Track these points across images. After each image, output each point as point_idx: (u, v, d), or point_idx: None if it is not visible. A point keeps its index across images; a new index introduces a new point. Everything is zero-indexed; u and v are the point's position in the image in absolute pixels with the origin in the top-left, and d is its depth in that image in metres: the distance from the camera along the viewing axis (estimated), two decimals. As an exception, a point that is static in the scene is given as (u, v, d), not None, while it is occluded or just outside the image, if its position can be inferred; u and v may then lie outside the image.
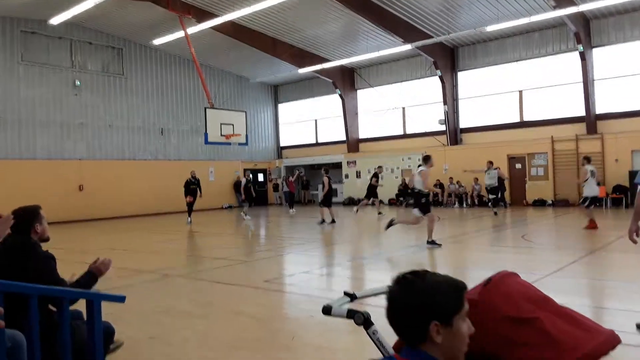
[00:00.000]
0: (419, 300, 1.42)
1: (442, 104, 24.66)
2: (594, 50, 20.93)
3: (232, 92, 29.55)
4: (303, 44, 24.84)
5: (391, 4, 20.00)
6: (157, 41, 23.26)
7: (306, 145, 31.23)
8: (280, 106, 32.62)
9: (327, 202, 16.94)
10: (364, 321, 1.84)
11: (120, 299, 3.09)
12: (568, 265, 8.11)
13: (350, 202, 27.40)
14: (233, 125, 21.35)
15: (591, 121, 20.74)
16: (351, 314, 1.90)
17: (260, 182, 30.96)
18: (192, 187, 19.11)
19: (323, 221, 16.34)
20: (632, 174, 18.50)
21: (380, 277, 8.10)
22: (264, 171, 31.45)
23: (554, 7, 17.89)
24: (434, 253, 9.82)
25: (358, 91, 28.81)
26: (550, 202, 21.32)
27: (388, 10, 20.44)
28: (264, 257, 10.58)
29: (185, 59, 26.19)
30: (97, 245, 12.93)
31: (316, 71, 26.06)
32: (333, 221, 16.37)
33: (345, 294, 2.16)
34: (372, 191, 19.72)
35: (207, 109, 21.09)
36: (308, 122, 31.31)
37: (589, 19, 20.82)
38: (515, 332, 1.57)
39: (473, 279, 1.76)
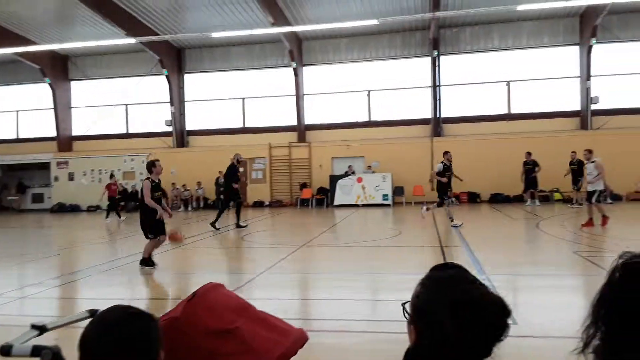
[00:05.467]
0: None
1: (169, 104, 24.20)
2: (304, 67, 23.76)
3: None
4: (6, 20, 20.87)
5: (113, -8, 18.61)
6: None
7: (3, 142, 26.27)
8: (-33, 91, 26.70)
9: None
10: (53, 357, 1.54)
11: None
12: (278, 262, 8.87)
13: (60, 208, 24.25)
14: None
15: (301, 130, 23.46)
16: (37, 351, 1.56)
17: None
18: None
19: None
20: (332, 178, 21.74)
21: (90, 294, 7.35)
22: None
23: (272, 24, 19.57)
24: (169, 258, 9.46)
25: (72, 82, 25.84)
26: (267, 203, 23.21)
27: (110, -2, 18.96)
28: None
29: None
30: None
31: (19, 54, 22.23)
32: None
33: (33, 326, 1.78)
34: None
35: None
36: (7, 113, 26.46)
37: (301, 40, 23.52)
38: (219, 345, 1.57)
39: (197, 284, 1.68)
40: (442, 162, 13.28)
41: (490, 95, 22.18)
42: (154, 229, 8.45)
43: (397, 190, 21.63)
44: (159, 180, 8.73)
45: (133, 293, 7.42)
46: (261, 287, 7.22)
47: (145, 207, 8.39)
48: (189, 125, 24.95)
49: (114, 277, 8.14)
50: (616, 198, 19.07)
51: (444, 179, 13.05)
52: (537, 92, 21.61)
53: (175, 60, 24.34)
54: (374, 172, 21.86)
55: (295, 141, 23.51)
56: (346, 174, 21.73)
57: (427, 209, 13.91)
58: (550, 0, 18.31)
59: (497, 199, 20.66)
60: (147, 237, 8.49)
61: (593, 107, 20.66)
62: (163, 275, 8.23)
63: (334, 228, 14.88)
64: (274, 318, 1.77)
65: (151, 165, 8.66)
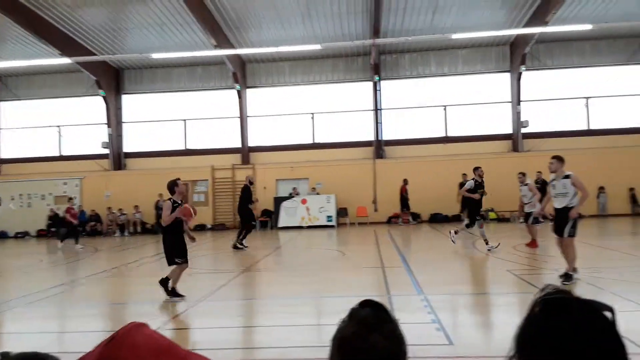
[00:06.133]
0: None
1: (106, 126, 23.38)
2: (248, 90, 23.71)
3: None
4: None
5: (48, 12, 17.94)
6: None
7: None
8: None
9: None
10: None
11: None
12: (218, 289, 8.64)
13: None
14: None
15: (245, 152, 23.28)
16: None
17: None
18: None
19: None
20: (276, 200, 21.62)
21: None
22: None
23: (215, 47, 19.46)
24: (103, 286, 8.98)
25: (2, 103, 24.50)
26: (210, 226, 22.70)
27: (44, 17, 18.25)
28: None
29: None
30: None
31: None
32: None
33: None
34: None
35: None
36: None
37: (245, 63, 23.51)
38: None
39: (131, 315, 1.56)
40: (472, 179, 12.21)
41: (429, 118, 22.97)
42: (181, 252, 7.87)
43: (341, 212, 21.80)
44: (182, 201, 8.10)
45: (62, 326, 6.97)
46: (199, 315, 6.97)
47: (168, 230, 7.80)
48: (127, 147, 24.17)
49: (41, 310, 7.62)
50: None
51: (476, 196, 11.98)
52: (472, 116, 22.61)
53: (113, 80, 23.65)
54: (318, 194, 21.95)
55: (239, 163, 23.27)
56: (290, 196, 21.69)
57: (456, 232, 12.63)
58: (481, 30, 19.34)
59: (437, 219, 21.24)
60: (172, 263, 7.83)
61: (523, 130, 21.82)
62: (93, 306, 7.80)
63: (278, 251, 14.73)
64: (201, 357, 1.69)
65: (173, 185, 8.03)
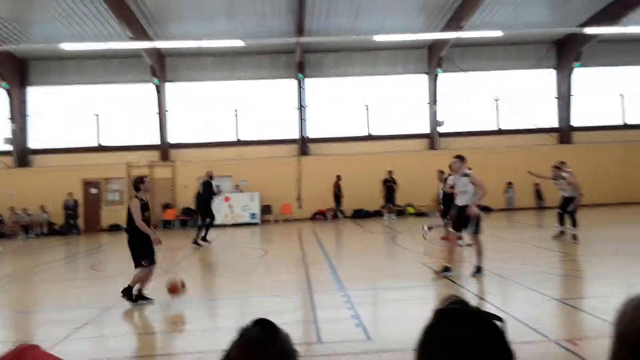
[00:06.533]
0: None
1: (9, 120, 21.55)
2: (167, 84, 22.82)
3: None
4: None
5: None
6: None
7: None
8: None
9: None
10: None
11: None
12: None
13: None
14: None
15: (165, 149, 22.39)
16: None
17: None
18: None
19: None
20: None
21: None
22: None
23: (131, 39, 18.53)
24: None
25: None
26: (124, 226, 21.58)
27: None
28: None
29: None
30: None
31: None
32: None
33: None
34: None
35: None
36: None
37: (164, 56, 22.59)
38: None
39: (40, 323, 1.37)
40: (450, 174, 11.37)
41: (352, 117, 23.34)
42: (149, 253, 7.52)
43: (265, 209, 21.62)
44: (147, 199, 7.81)
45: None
46: (108, 322, 6.58)
47: (136, 230, 7.46)
48: (33, 144, 22.41)
49: None
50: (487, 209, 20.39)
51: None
52: (393, 115, 23.27)
53: (17, 72, 21.83)
54: (242, 192, 21.60)
55: (158, 160, 22.35)
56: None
57: (449, 234, 11.07)
58: (401, 33, 19.92)
59: (360, 215, 21.66)
60: (138, 266, 7.47)
61: (440, 129, 22.80)
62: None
63: (199, 250, 14.30)
64: None
65: (139, 182, 7.77)
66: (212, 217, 14.41)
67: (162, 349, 5.57)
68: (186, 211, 21.47)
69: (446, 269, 8.17)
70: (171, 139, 22.71)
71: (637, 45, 22.88)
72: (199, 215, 14.95)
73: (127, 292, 7.31)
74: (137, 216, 7.41)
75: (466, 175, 8.35)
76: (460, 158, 8.60)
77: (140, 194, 7.68)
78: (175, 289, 7.22)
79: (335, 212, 21.49)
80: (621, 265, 8.85)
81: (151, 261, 7.56)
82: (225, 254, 13.97)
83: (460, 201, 8.42)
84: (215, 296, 7.90)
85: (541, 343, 4.96)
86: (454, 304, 1.11)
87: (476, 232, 8.27)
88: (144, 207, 7.57)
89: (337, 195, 21.23)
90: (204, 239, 14.11)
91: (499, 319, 1.07)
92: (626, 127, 23.51)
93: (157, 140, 22.34)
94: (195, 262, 12.22)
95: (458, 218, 8.47)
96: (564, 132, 23.17)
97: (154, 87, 22.00)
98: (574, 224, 11.55)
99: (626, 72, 23.46)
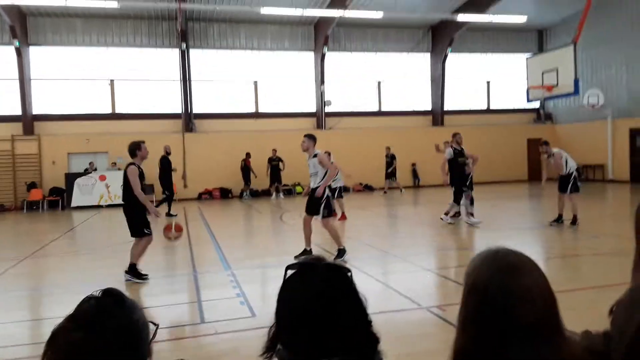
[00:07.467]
0: None
1: None
2: (32, 48, 20.43)
3: None
4: None
5: None
6: None
7: None
8: None
9: None
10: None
11: None
12: (-5, 280, 7.37)
13: None
14: None
15: (28, 121, 20.15)
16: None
17: None
18: None
19: None
20: (68, 176, 19.29)
21: None
22: None
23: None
24: None
25: None
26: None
27: None
28: None
29: None
30: None
31: None
32: None
33: None
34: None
35: None
36: None
37: (26, 15, 20.13)
38: None
39: None
40: (450, 147, 11.22)
41: (240, 93, 22.84)
42: (148, 222, 7.10)
43: (148, 189, 20.48)
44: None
45: None
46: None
47: (135, 200, 6.88)
48: None
49: None
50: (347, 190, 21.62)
51: (462, 165, 10.94)
52: (281, 93, 23.20)
53: None
54: (119, 169, 20.22)
55: (20, 134, 20.05)
56: (86, 172, 19.58)
57: (450, 215, 11.13)
58: (286, 7, 19.68)
59: (253, 194, 21.47)
60: (141, 235, 7.04)
61: (327, 109, 23.23)
62: None
63: (70, 234, 13.19)
64: None
65: (136, 148, 7.12)
66: (170, 190, 15.53)
67: (32, 339, 5.06)
68: (55, 191, 19.62)
69: (340, 252, 7.80)
70: (36, 110, 20.50)
71: (502, 34, 25.20)
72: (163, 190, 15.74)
73: (132, 270, 6.97)
74: (137, 185, 6.85)
75: (315, 156, 7.80)
76: (310, 137, 7.95)
77: (136, 161, 7.06)
78: (169, 228, 7.78)
79: (244, 191, 21.06)
80: (492, 239, 9.81)
81: (150, 231, 7.17)
82: (101, 236, 13.07)
83: (312, 183, 7.91)
84: (90, 281, 7.34)
85: (414, 310, 5.34)
86: (309, 259, 1.19)
87: (326, 215, 7.77)
88: (141, 175, 7.00)
89: (246, 174, 20.82)
90: (169, 213, 14.58)
91: (348, 270, 1.17)
92: (489, 111, 25.89)
93: (18, 111, 20.01)
94: (65, 246, 11.24)
95: (308, 201, 7.93)
96: (437, 115, 24.89)
97: (14, 50, 19.58)
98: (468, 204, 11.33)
99: (491, 59, 25.73)
